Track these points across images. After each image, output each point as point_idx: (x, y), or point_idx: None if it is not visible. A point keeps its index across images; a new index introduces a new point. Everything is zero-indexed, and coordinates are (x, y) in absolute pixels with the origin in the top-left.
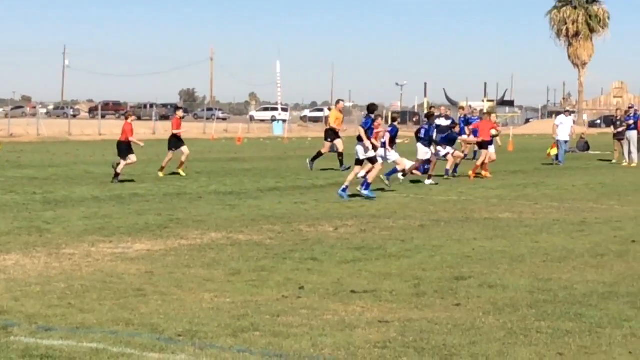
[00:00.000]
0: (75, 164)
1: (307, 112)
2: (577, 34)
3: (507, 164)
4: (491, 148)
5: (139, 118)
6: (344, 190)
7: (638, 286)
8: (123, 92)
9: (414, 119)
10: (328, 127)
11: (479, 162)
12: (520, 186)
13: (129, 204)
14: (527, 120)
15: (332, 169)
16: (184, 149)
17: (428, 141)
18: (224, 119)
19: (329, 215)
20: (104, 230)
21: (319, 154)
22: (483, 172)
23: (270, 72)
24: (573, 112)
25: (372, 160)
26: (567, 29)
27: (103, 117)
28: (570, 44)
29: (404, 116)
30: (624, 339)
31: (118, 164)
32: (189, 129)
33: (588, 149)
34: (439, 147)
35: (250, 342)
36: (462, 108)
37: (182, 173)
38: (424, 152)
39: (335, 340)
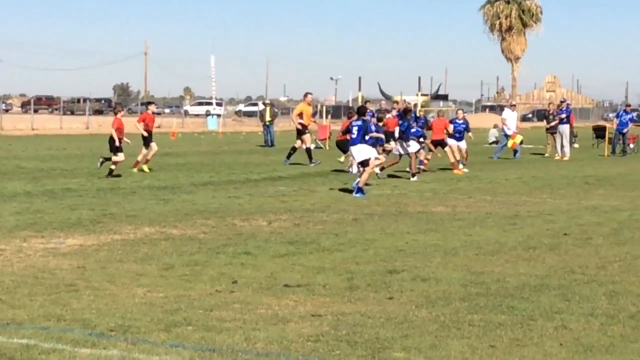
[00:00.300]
0: (7, 159)
1: (241, 107)
2: (510, 29)
3: (441, 157)
4: (463, 143)
5: (72, 113)
6: (359, 190)
7: (569, 279)
8: (56, 87)
9: (348, 113)
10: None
11: (452, 160)
12: (454, 180)
13: (61, 199)
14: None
15: (301, 164)
16: (153, 145)
17: (407, 136)
18: (158, 114)
19: (263, 209)
20: (36, 226)
21: (294, 150)
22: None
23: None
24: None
25: (365, 164)
26: (501, 24)
27: (36, 111)
28: (503, 39)
29: (337, 110)
30: (555, 330)
31: (106, 160)
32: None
33: (521, 142)
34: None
35: (182, 337)
36: (397, 102)
37: (145, 169)
38: (415, 146)
39: (268, 334)
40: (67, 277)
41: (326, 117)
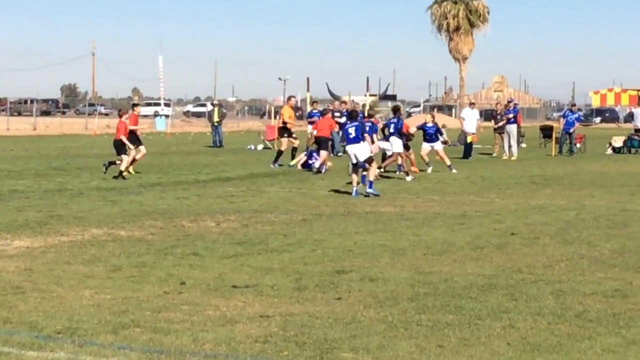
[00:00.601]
0: None
1: (190, 108)
2: (457, 29)
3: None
4: (438, 144)
5: (19, 114)
6: (369, 186)
7: (517, 278)
8: (3, 87)
9: (297, 114)
10: (281, 124)
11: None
12: (402, 180)
13: (8, 201)
14: (409, 115)
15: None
16: (142, 147)
17: (399, 135)
18: (106, 114)
19: (211, 210)
20: None
21: (280, 153)
22: (413, 168)
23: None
24: (473, 103)
25: (369, 160)
26: (448, 24)
27: None
28: (451, 39)
29: None
30: (503, 330)
31: (112, 163)
32: (70, 125)
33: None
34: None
35: (130, 339)
36: (345, 102)
37: (132, 171)
38: (399, 145)
39: (216, 336)
40: (14, 280)
41: (275, 118)
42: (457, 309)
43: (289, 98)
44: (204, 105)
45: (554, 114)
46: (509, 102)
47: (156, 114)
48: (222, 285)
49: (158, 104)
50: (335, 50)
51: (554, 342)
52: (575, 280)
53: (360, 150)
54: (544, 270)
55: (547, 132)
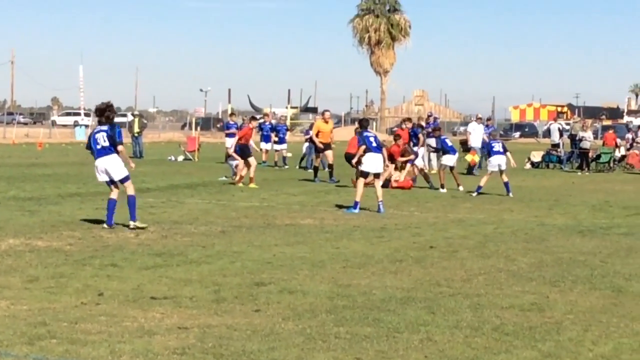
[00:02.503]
0: None
1: None
2: (379, 42)
3: (307, 172)
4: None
5: None
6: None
7: (435, 291)
8: None
9: (218, 125)
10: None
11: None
12: (322, 192)
13: None
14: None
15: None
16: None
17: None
18: (25, 124)
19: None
20: None
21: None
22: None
23: (73, 76)
24: (480, 118)
25: (378, 175)
26: (370, 37)
27: None
28: (372, 52)
29: (207, 122)
30: (421, 343)
31: None
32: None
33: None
34: None
35: (46, 350)
36: (267, 115)
37: None
38: (451, 159)
39: (133, 347)
40: None
41: (195, 129)
42: (376, 322)
43: (323, 112)
44: (124, 115)
45: (461, 128)
46: (428, 116)
47: (76, 124)
48: (140, 296)
49: (78, 114)
50: (257, 62)
51: (471, 355)
52: (493, 293)
53: (378, 162)
54: (462, 284)
55: (466, 145)
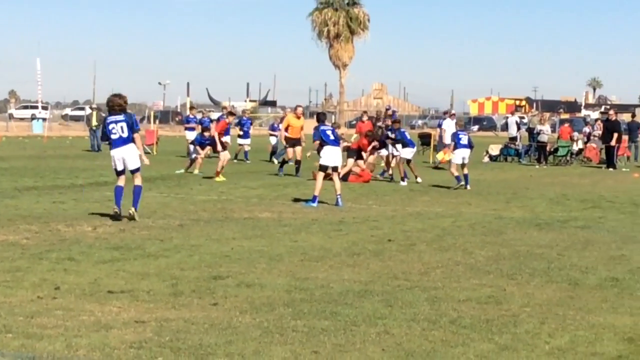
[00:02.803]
0: None
1: (68, 111)
2: (338, 36)
3: (268, 164)
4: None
5: None
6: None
7: (393, 284)
8: None
9: (177, 119)
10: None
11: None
12: (281, 186)
13: None
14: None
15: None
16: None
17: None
18: None
19: (88, 215)
20: None
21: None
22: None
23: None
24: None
25: (336, 169)
26: (329, 31)
27: None
28: (331, 46)
29: (166, 115)
30: (378, 336)
31: None
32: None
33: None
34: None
35: (2, 344)
36: (225, 108)
37: None
38: (409, 152)
39: (90, 341)
40: None
41: (154, 122)
42: (333, 315)
43: (296, 107)
44: (82, 109)
45: (418, 122)
46: (387, 109)
47: (33, 117)
48: (97, 290)
49: (35, 107)
50: (215, 55)
51: (428, 348)
52: (450, 287)
53: (337, 155)
54: (419, 277)
55: (425, 139)
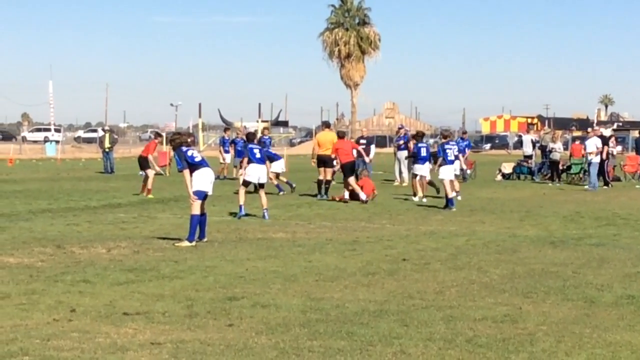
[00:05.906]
0: None
1: (81, 133)
2: (349, 56)
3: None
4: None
5: None
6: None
7: (408, 304)
8: None
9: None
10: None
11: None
12: (294, 206)
13: None
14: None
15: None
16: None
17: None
18: None
19: (102, 236)
20: None
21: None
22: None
23: (43, 92)
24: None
25: (262, 186)
26: (339, 51)
27: None
28: (342, 65)
29: None
30: (394, 356)
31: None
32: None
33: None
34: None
35: None
36: (235, 128)
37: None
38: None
39: None
40: None
41: (166, 144)
42: (349, 335)
43: (329, 124)
44: (95, 130)
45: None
46: (399, 128)
47: (46, 140)
48: (112, 312)
49: (48, 130)
50: (227, 76)
51: None
52: (466, 305)
53: (262, 172)
54: (434, 296)
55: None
